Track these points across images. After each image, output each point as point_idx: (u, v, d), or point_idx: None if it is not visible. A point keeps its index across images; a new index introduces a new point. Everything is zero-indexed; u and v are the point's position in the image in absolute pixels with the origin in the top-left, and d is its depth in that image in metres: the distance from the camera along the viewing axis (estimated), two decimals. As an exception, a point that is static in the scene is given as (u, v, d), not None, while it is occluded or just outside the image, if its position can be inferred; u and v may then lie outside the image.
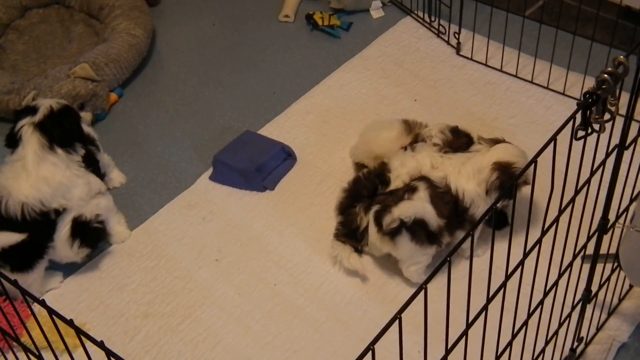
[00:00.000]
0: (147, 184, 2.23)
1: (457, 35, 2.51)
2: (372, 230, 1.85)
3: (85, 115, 2.36)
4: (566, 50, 2.30)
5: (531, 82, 2.39)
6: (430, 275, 0.89)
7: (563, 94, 2.33)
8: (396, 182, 1.89)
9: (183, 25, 2.84)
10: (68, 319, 0.91)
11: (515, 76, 2.41)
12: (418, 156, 1.91)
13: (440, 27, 2.59)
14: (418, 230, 1.78)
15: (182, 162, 2.29)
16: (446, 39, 2.58)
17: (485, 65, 2.47)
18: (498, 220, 1.90)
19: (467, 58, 2.51)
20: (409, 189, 1.81)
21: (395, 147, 1.99)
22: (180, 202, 2.17)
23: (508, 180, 1.80)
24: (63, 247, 1.90)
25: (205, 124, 2.41)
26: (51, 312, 0.95)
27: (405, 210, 1.77)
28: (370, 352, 0.81)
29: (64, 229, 1.88)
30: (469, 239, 0.97)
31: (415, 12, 2.70)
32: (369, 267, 1.94)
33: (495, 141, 1.91)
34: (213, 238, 2.06)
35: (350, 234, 1.92)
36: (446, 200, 1.81)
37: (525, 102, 2.34)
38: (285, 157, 2.22)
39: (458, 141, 1.95)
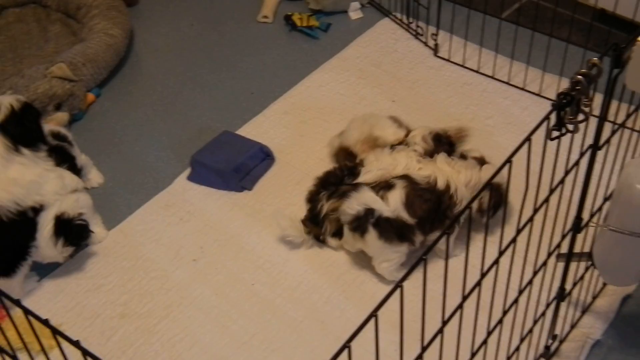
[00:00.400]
0: (125, 184, 2.22)
1: (434, 37, 2.53)
2: (345, 226, 1.87)
3: (63, 116, 2.35)
4: (542, 52, 2.32)
5: (508, 83, 2.41)
6: (406, 273, 0.90)
7: (539, 95, 2.36)
8: (365, 176, 1.91)
9: (161, 26, 2.83)
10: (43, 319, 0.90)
11: (492, 77, 2.43)
12: (396, 154, 1.93)
13: (418, 28, 2.61)
14: (385, 226, 1.79)
15: (159, 162, 2.28)
16: (424, 40, 2.59)
17: (463, 66, 2.49)
18: None
19: (444, 59, 2.53)
20: (385, 186, 1.82)
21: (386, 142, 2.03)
22: (158, 202, 2.16)
23: (499, 199, 1.84)
24: (47, 246, 1.88)
25: (183, 124, 2.40)
26: (27, 312, 0.94)
27: (349, 203, 1.81)
28: (346, 350, 0.82)
29: (46, 227, 1.87)
30: (445, 237, 0.98)
31: (394, 14, 2.72)
32: (346, 266, 1.95)
33: (481, 160, 1.95)
34: (190, 238, 2.05)
35: (314, 220, 1.95)
36: (425, 198, 1.82)
37: (502, 103, 2.37)
38: (263, 157, 2.22)
39: (439, 149, 1.97)
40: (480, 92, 2.41)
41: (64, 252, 1.92)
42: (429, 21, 2.56)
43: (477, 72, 2.46)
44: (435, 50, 2.54)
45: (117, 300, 1.92)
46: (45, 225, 1.87)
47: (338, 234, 1.94)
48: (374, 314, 0.83)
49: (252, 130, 2.35)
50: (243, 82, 2.54)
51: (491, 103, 2.37)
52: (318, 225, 1.96)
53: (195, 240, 2.05)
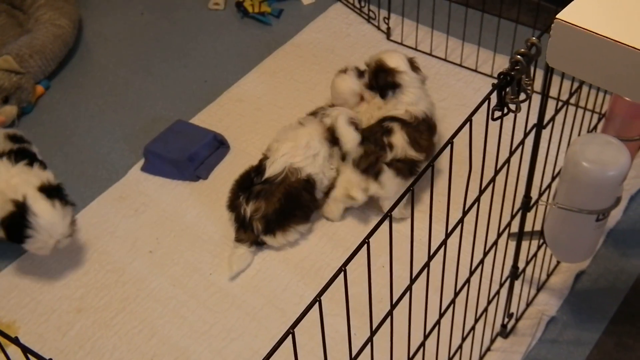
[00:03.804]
0: (77, 177, 2.19)
1: (386, 21, 2.53)
2: (353, 175, 1.91)
3: (11, 109, 2.30)
4: (492, 34, 2.33)
5: (460, 65, 2.42)
6: (350, 257, 0.90)
7: (491, 76, 2.37)
8: (271, 169, 1.92)
9: (111, 15, 2.78)
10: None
11: (445, 60, 2.44)
12: (300, 130, 2.00)
13: (370, 12, 2.61)
14: (398, 165, 1.89)
15: (112, 153, 2.25)
16: (376, 24, 2.59)
17: (416, 49, 2.49)
18: None
19: (397, 43, 2.53)
20: (385, 131, 1.92)
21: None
22: (112, 194, 2.13)
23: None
24: None
25: (135, 115, 2.37)
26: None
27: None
28: (290, 335, 0.82)
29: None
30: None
31: (346, -2, 2.71)
32: (304, 253, 1.95)
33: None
34: (146, 230, 2.03)
35: (243, 226, 1.92)
36: (422, 129, 1.94)
37: (455, 85, 2.38)
38: (217, 146, 2.21)
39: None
40: (433, 74, 2.41)
41: None
42: (380, 5, 2.56)
43: (429, 54, 2.47)
44: (388, 34, 2.54)
45: (73, 295, 1.89)
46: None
47: (270, 231, 1.92)
48: (317, 299, 0.83)
49: (207, 118, 2.33)
50: (196, 71, 2.51)
51: (444, 85, 2.38)
52: (248, 229, 1.92)
53: (151, 232, 2.03)
